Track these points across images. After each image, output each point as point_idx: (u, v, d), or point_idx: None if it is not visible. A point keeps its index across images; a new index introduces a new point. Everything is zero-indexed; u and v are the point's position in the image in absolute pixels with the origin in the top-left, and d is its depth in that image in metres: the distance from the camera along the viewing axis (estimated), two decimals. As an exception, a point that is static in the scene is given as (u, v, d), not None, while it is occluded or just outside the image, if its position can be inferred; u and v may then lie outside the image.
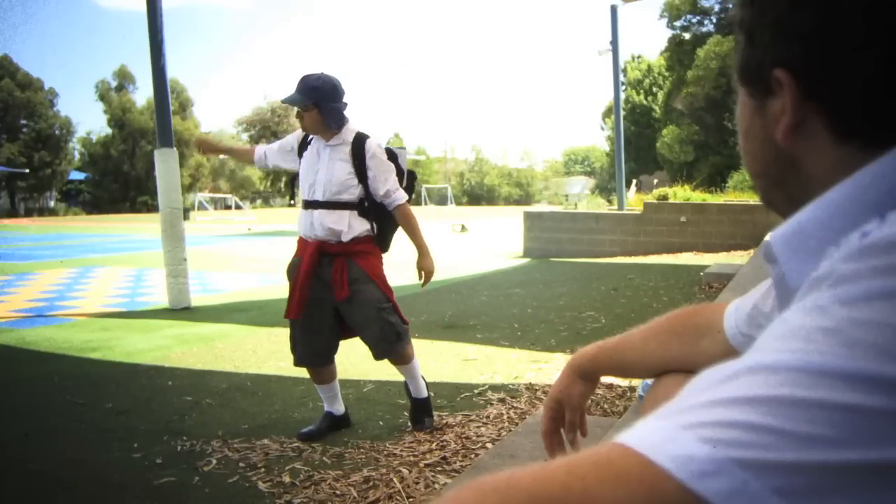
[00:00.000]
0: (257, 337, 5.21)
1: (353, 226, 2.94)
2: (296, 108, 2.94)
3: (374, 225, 3.00)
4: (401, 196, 2.99)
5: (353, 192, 2.93)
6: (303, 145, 3.07)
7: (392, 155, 3.07)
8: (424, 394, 3.13)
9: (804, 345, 0.37)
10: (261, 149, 3.31)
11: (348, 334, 3.11)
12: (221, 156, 3.57)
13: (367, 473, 2.58)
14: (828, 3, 0.46)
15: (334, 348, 3.10)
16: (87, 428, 3.23)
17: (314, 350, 3.06)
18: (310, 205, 2.96)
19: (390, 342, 2.97)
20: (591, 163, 70.53)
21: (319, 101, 2.87)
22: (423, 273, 3.08)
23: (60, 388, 3.88)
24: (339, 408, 3.16)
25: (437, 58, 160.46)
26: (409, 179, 3.16)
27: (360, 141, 2.95)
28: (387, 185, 2.95)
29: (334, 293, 2.93)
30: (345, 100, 2.99)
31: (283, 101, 2.99)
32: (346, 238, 2.93)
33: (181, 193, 6.99)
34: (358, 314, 2.96)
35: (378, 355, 3.04)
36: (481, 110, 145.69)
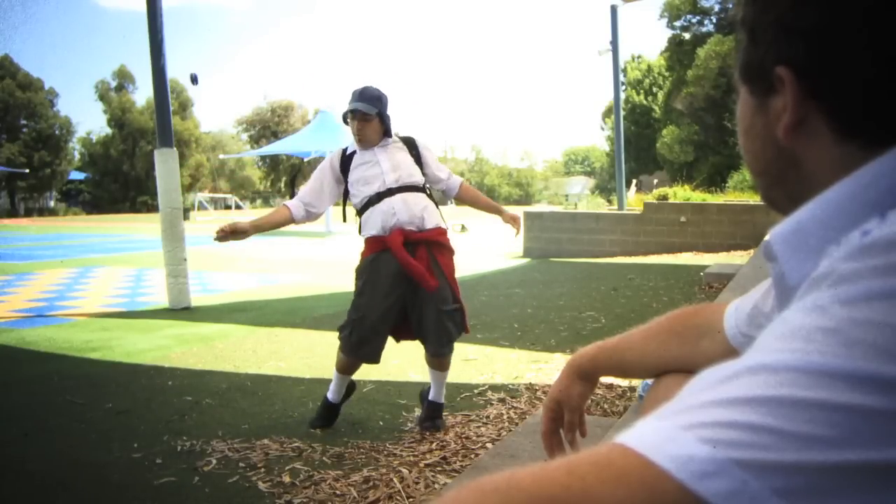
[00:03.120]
0: (257, 337, 5.21)
1: (430, 211, 3.01)
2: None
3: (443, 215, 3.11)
4: (458, 177, 3.25)
5: (420, 178, 3.05)
6: (345, 163, 3.07)
7: None
8: (442, 399, 3.16)
9: (804, 345, 0.37)
10: (296, 204, 3.05)
11: (400, 335, 3.16)
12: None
13: (367, 473, 2.58)
14: (830, 1, 0.46)
15: None
16: (87, 428, 3.22)
17: (381, 345, 3.04)
18: (382, 195, 2.95)
19: (442, 345, 3.02)
20: (591, 163, 70.48)
21: (382, 111, 3.00)
22: (514, 222, 3.30)
23: (60, 388, 3.88)
24: (338, 396, 3.21)
25: (437, 58, 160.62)
26: None
27: (409, 138, 3.14)
28: (444, 170, 3.18)
29: (421, 284, 2.93)
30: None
31: (353, 110, 2.95)
32: (428, 225, 2.98)
33: (181, 193, 6.99)
34: (422, 309, 2.99)
35: (431, 354, 3.06)
36: (481, 110, 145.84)
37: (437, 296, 2.95)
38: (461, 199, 3.27)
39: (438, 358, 3.06)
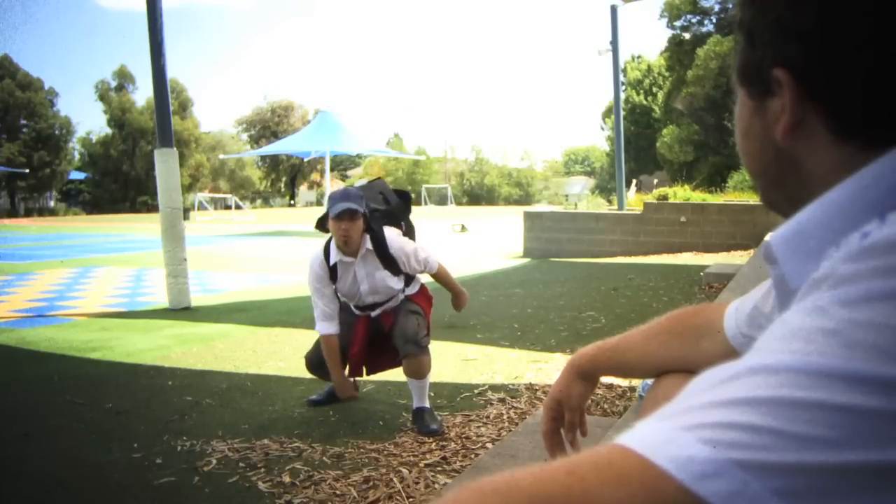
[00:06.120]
0: (257, 337, 5.21)
1: (404, 293, 3.30)
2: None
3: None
4: (434, 264, 3.26)
5: (399, 284, 3.23)
6: (332, 272, 3.13)
7: (404, 197, 3.52)
8: (426, 403, 3.15)
9: (804, 346, 0.37)
10: (326, 327, 3.15)
11: (374, 366, 3.39)
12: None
13: (367, 473, 2.58)
14: (827, 2, 0.46)
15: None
16: (87, 428, 3.22)
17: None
18: (363, 308, 3.26)
19: (417, 343, 3.09)
20: (591, 163, 70.39)
21: (364, 210, 3.06)
22: (457, 302, 3.53)
23: (60, 388, 3.88)
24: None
25: (437, 58, 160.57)
26: (405, 201, 3.53)
27: (379, 243, 3.11)
28: (418, 263, 3.20)
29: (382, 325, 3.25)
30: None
31: (344, 210, 2.99)
32: (395, 304, 3.28)
33: (181, 193, 6.99)
34: (397, 320, 3.20)
35: (406, 351, 3.09)
36: (481, 110, 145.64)
37: (408, 307, 3.25)
38: (436, 278, 3.36)
39: (416, 353, 3.07)
